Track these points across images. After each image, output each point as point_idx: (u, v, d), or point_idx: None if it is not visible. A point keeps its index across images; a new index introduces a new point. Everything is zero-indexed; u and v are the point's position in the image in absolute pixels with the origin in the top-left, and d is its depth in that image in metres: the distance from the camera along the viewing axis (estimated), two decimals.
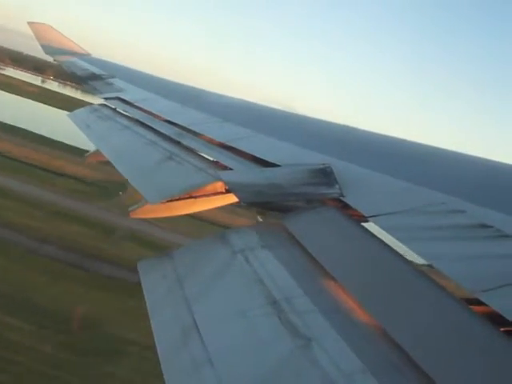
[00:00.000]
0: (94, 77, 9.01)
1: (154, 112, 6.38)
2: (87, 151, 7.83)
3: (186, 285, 2.78)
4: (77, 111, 7.60)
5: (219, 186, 3.75)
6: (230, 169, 4.06)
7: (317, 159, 3.88)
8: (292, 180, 3.56)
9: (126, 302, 23.95)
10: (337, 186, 3.33)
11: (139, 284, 2.91)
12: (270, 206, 3.54)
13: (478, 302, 2.04)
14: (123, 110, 6.86)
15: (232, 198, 3.58)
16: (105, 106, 7.36)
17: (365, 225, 2.91)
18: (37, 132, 60.39)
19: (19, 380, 18.53)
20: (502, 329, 1.92)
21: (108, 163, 5.06)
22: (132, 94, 7.65)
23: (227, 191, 3.69)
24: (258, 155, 4.17)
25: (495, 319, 1.94)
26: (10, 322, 21.58)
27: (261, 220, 3.80)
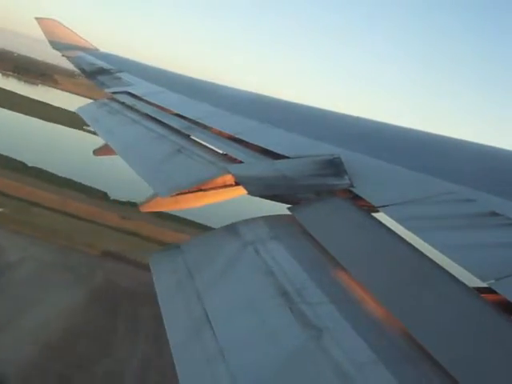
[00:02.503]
0: (103, 71, 9.03)
1: (162, 106, 6.39)
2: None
3: (196, 277, 2.80)
4: (85, 105, 7.64)
5: (228, 178, 3.76)
6: (240, 161, 4.06)
7: (326, 150, 3.87)
8: (301, 172, 3.56)
9: None
10: (346, 177, 3.33)
11: None
12: (279, 198, 3.54)
13: (490, 291, 2.04)
14: (132, 104, 6.87)
15: (241, 191, 3.59)
16: (114, 100, 7.38)
17: (375, 215, 2.90)
18: None
19: None
20: None
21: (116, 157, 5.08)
22: (140, 87, 7.66)
23: (237, 184, 3.70)
24: (267, 147, 4.17)
25: (507, 308, 1.94)
26: None
27: None
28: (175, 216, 44.37)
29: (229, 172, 3.74)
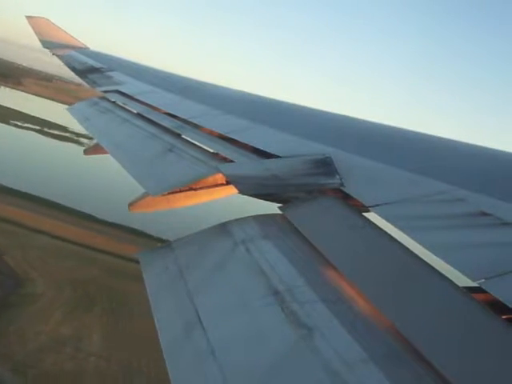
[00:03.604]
0: (93, 70, 8.97)
1: (153, 105, 6.37)
2: None
3: (187, 276, 2.79)
4: (76, 104, 7.58)
5: (219, 177, 3.75)
6: (231, 160, 4.06)
7: (317, 150, 3.88)
8: (292, 171, 3.56)
9: None
10: (337, 177, 3.33)
11: None
12: (270, 197, 3.54)
13: (480, 290, 2.05)
14: (123, 103, 6.84)
15: (232, 190, 3.58)
16: (104, 99, 7.34)
17: (366, 214, 2.91)
18: None
19: None
20: (503, 316, 1.93)
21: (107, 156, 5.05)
22: (131, 86, 7.62)
23: (227, 183, 3.69)
24: (258, 146, 4.17)
25: (497, 307, 1.95)
26: None
27: None
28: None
29: (220, 171, 3.73)
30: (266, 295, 2.34)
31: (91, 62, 9.46)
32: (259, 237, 2.89)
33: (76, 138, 69.03)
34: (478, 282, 2.05)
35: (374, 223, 2.75)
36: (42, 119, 77.80)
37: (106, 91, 7.55)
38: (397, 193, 3.04)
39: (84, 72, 8.94)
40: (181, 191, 3.72)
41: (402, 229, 2.57)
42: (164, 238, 30.21)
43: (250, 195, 3.51)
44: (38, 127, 74.16)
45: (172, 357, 2.27)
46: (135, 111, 6.38)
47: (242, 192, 3.38)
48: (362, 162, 3.62)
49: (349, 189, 3.15)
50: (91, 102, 7.36)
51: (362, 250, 2.60)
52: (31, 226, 38.56)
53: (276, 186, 3.43)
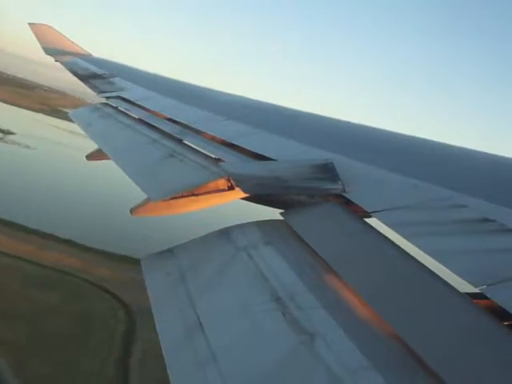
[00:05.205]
0: (96, 76, 9.01)
1: (155, 110, 6.38)
2: None
3: (189, 281, 2.79)
4: (78, 110, 7.61)
5: (221, 183, 3.75)
6: None
7: (320, 155, 3.87)
8: (295, 174, 3.57)
9: None
10: (339, 182, 3.33)
11: None
12: (271, 199, 3.54)
13: (482, 297, 2.04)
14: (125, 109, 6.86)
15: (234, 195, 3.58)
16: (107, 104, 7.36)
17: (367, 220, 2.91)
18: None
19: None
20: (505, 323, 1.92)
21: (109, 161, 5.06)
22: (133, 92, 7.65)
23: (229, 188, 3.69)
24: (260, 152, 4.17)
25: (499, 313, 1.94)
26: None
27: None
28: None
29: (222, 174, 3.73)
30: (268, 301, 2.33)
31: (93, 69, 9.50)
32: (260, 242, 2.89)
33: None
34: (480, 288, 2.04)
35: (375, 229, 2.74)
36: None
37: (108, 97, 7.58)
38: (399, 199, 3.03)
39: (87, 78, 8.98)
40: (182, 196, 3.72)
41: (403, 235, 2.56)
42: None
43: (252, 198, 3.50)
44: None
45: (173, 362, 2.26)
46: (137, 117, 6.40)
47: (245, 191, 3.37)
48: (364, 167, 3.61)
49: (350, 194, 3.15)
50: (93, 108, 7.39)
51: (363, 256, 2.60)
52: None
53: (279, 187, 3.43)
